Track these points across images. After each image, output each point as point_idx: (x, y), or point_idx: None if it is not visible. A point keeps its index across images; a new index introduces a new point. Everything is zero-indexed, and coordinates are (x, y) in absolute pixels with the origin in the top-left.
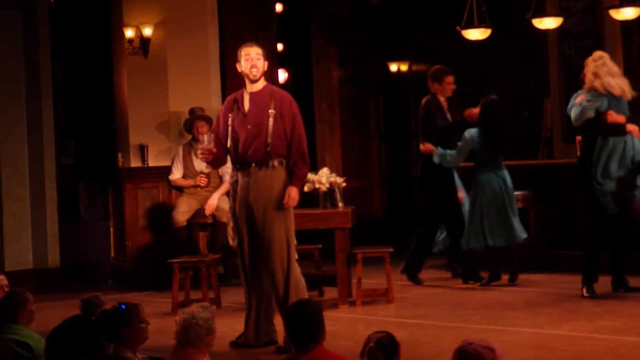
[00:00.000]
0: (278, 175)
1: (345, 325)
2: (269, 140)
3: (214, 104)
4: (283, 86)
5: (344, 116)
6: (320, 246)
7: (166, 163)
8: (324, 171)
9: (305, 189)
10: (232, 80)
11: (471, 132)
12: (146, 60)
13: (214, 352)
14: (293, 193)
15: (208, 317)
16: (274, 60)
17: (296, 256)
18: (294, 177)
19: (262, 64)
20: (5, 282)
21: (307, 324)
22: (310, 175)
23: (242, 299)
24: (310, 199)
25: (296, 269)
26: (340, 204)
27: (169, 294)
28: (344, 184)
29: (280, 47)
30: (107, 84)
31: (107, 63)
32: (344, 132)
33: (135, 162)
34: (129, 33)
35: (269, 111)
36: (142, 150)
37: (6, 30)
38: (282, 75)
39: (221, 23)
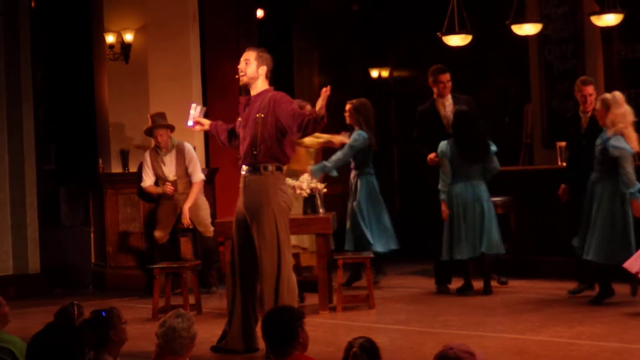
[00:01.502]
0: (267, 181)
1: (326, 331)
2: (256, 144)
3: None
4: None
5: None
6: (301, 252)
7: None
8: (305, 177)
9: None
10: (213, 85)
11: (442, 146)
12: (127, 65)
13: (195, 356)
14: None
15: (189, 326)
16: None
17: (291, 261)
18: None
19: (250, 68)
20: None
21: (284, 330)
22: (291, 181)
23: (223, 304)
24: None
25: (288, 275)
26: (321, 210)
27: (150, 299)
28: (325, 190)
29: None
30: (88, 89)
31: (88, 68)
32: None
33: (116, 168)
34: (110, 38)
35: (257, 115)
36: (123, 155)
37: None
38: None
39: (202, 28)
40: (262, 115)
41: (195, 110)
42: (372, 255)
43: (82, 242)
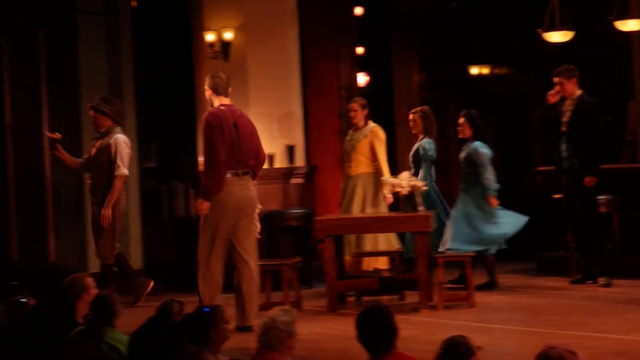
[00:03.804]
0: None
1: (426, 330)
2: None
3: (294, 108)
4: (363, 89)
5: None
6: (401, 250)
7: None
8: (405, 175)
9: (386, 192)
10: (312, 84)
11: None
12: (227, 63)
13: (296, 355)
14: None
15: (289, 321)
16: (354, 64)
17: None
18: None
19: (207, 96)
20: (94, 284)
21: (380, 329)
22: (391, 179)
23: (323, 301)
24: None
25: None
26: (420, 208)
27: None
28: (425, 188)
29: (361, 50)
30: (188, 87)
31: (188, 67)
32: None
33: None
34: (210, 37)
35: None
36: None
37: (89, 36)
38: (363, 79)
39: (301, 26)
40: None
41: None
42: (473, 254)
43: (184, 238)
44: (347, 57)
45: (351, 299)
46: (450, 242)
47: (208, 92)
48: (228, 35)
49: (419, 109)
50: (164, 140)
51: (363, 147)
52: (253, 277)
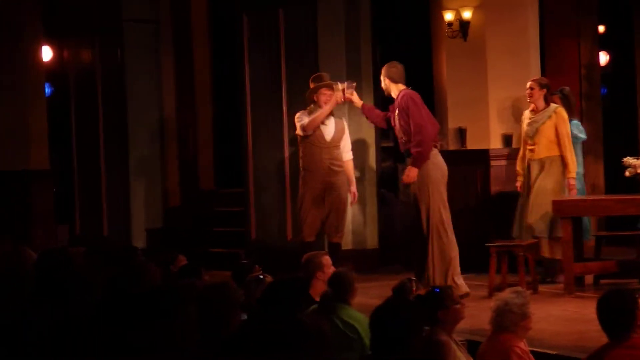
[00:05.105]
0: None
1: None
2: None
3: None
4: (604, 69)
5: None
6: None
7: (484, 146)
8: None
9: (627, 173)
10: (552, 62)
11: None
12: (465, 43)
13: (531, 337)
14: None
15: (522, 303)
16: (595, 42)
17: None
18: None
19: (383, 84)
20: (329, 262)
21: (622, 313)
22: (632, 160)
23: (560, 284)
24: (633, 184)
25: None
26: None
27: (486, 277)
28: None
29: (602, 28)
30: (426, 67)
31: (426, 46)
32: None
33: (454, 145)
34: (449, 16)
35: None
36: (461, 133)
37: (328, 14)
38: (604, 58)
39: (541, 4)
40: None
41: (347, 87)
42: None
43: None
44: (589, 35)
45: (589, 281)
46: None
47: (386, 81)
48: (467, 14)
49: (558, 89)
50: None
51: (547, 130)
52: None
